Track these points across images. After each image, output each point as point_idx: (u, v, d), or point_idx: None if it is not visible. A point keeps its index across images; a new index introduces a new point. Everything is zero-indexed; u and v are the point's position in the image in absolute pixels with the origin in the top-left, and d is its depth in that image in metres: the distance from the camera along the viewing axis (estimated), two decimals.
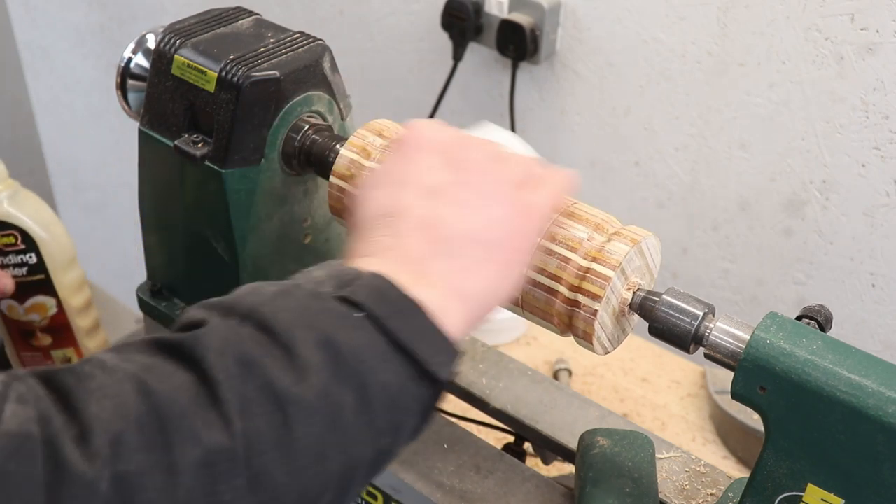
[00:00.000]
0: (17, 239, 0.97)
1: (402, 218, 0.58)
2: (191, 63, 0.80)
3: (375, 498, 0.86)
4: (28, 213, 0.98)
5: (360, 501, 0.87)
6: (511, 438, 0.93)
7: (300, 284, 0.53)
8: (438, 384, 0.52)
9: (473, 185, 0.60)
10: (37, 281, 1.00)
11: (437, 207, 0.59)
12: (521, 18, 1.36)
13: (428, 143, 0.63)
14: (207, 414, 0.45)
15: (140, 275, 0.96)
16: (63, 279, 1.01)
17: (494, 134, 1.01)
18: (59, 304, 1.02)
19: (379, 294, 0.52)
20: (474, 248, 0.58)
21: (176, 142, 0.80)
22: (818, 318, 0.66)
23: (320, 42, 0.84)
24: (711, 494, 0.81)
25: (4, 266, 0.98)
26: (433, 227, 0.58)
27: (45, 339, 1.05)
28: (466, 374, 0.92)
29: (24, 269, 0.99)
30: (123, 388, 0.46)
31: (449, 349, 0.53)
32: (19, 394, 0.45)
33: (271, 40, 0.82)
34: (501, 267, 0.59)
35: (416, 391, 0.51)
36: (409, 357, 0.51)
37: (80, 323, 1.05)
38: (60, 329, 1.04)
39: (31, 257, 0.98)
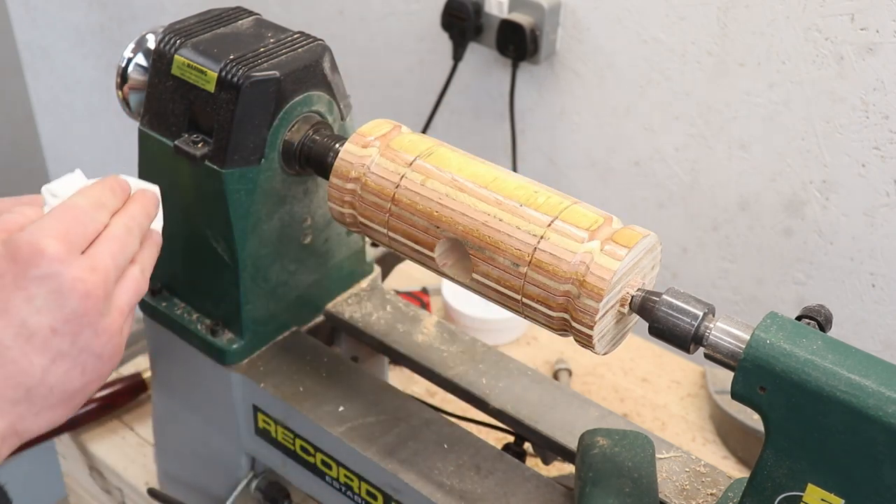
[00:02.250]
0: None
1: None
2: (191, 63, 0.80)
3: (375, 498, 0.86)
4: None
5: (360, 501, 0.87)
6: (511, 438, 0.93)
7: None
8: None
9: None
10: None
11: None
12: (521, 18, 1.36)
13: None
14: None
15: None
16: None
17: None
18: None
19: None
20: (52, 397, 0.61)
21: (176, 142, 0.80)
22: (818, 318, 0.66)
23: (320, 42, 0.84)
24: (711, 494, 0.81)
25: None
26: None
27: None
28: (466, 374, 0.92)
29: None
30: None
31: None
32: None
33: (271, 40, 0.82)
34: (68, 406, 0.63)
35: None
36: None
37: None
38: None
39: None
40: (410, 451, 0.85)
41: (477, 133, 1.55)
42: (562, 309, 0.69)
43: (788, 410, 0.61)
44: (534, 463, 0.96)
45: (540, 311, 0.70)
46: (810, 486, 0.63)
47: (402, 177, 0.75)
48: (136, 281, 0.66)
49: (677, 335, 0.67)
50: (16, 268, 0.59)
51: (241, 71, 0.78)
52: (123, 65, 0.87)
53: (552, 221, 0.69)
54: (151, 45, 0.87)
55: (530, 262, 0.69)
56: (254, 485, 0.98)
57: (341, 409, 0.88)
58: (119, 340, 0.63)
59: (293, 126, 0.82)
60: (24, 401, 0.59)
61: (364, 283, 1.00)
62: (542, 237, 0.69)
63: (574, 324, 0.68)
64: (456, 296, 1.33)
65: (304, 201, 0.87)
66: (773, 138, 1.25)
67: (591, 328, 0.67)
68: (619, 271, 0.67)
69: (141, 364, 1.24)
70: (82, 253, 0.61)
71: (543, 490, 0.82)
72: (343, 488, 0.88)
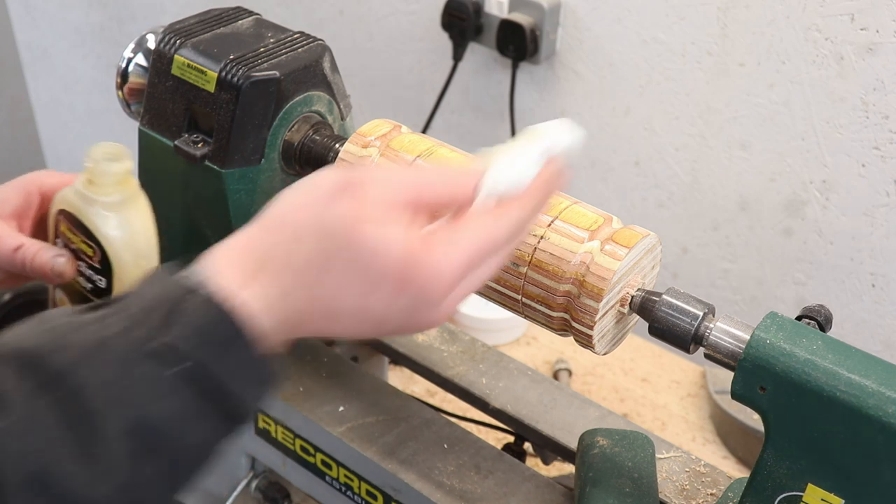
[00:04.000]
0: (95, 254, 0.79)
1: (312, 266, 0.54)
2: (191, 63, 0.80)
3: (375, 498, 0.86)
4: (123, 234, 0.78)
5: (360, 501, 0.87)
6: (511, 438, 0.93)
7: (114, 335, 0.51)
8: (247, 418, 0.54)
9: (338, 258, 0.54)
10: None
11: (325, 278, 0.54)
12: (521, 18, 1.36)
13: (304, 222, 0.57)
14: None
15: None
16: None
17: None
18: None
19: (200, 334, 0.51)
20: (350, 319, 0.55)
21: (176, 142, 0.80)
22: (818, 318, 0.66)
23: (320, 42, 0.84)
24: (711, 494, 0.81)
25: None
26: (325, 297, 0.54)
27: None
28: (466, 374, 0.92)
29: (90, 286, 0.81)
30: None
31: (263, 381, 0.53)
32: None
33: (271, 40, 0.82)
34: (370, 332, 0.56)
35: (225, 435, 0.53)
36: (219, 405, 0.51)
37: None
38: None
39: (100, 281, 0.80)
40: (410, 451, 0.85)
41: (477, 133, 1.55)
42: (562, 309, 0.69)
43: (788, 410, 0.61)
44: (534, 463, 0.96)
45: (540, 311, 0.70)
46: (810, 486, 0.63)
47: None
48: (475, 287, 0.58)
49: (677, 335, 0.67)
50: (404, 286, 0.53)
51: (241, 71, 0.78)
52: (123, 65, 0.87)
53: (552, 221, 0.69)
54: (151, 45, 0.87)
55: (530, 263, 0.69)
56: (254, 485, 0.98)
57: (341, 409, 0.88)
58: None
59: (293, 126, 0.82)
60: (320, 314, 0.54)
61: None
62: (542, 237, 0.69)
63: (574, 324, 0.68)
64: None
65: None
66: (773, 138, 1.25)
67: (591, 328, 0.67)
68: (619, 271, 0.67)
69: None
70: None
71: (543, 490, 0.82)
72: (343, 488, 0.88)
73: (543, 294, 0.69)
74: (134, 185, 0.79)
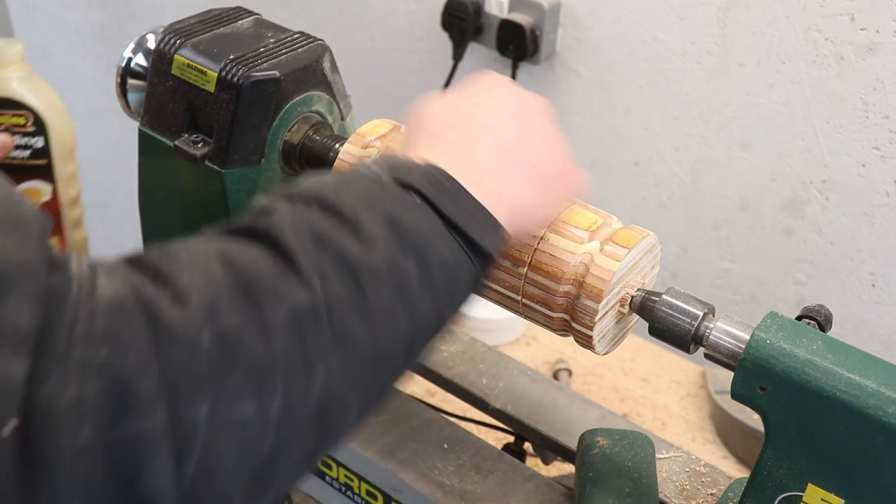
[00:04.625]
0: (28, 121, 0.98)
1: (470, 124, 0.63)
2: (191, 63, 0.80)
3: (375, 498, 0.86)
4: (41, 97, 0.99)
5: (360, 501, 0.88)
6: (511, 438, 0.93)
7: (360, 172, 0.57)
8: (487, 258, 0.58)
9: (536, 125, 0.66)
10: (37, 166, 1.00)
11: (503, 126, 0.64)
12: (521, 18, 1.36)
13: (503, 84, 0.68)
14: (288, 280, 0.49)
15: None
16: (63, 168, 1.01)
17: None
18: (55, 191, 1.02)
19: (432, 180, 0.57)
20: (528, 169, 0.63)
21: (176, 142, 0.80)
22: (818, 318, 0.66)
23: (320, 42, 0.84)
24: (711, 494, 0.81)
25: None
26: (495, 138, 0.63)
27: None
28: (466, 374, 0.92)
29: (28, 152, 0.99)
30: (209, 261, 0.49)
31: (493, 226, 0.58)
32: (107, 269, 0.47)
33: (271, 40, 0.82)
34: (544, 193, 0.64)
35: (468, 265, 0.57)
36: (460, 234, 0.56)
37: (69, 213, 1.06)
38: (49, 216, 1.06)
39: (38, 141, 0.99)
40: (410, 451, 0.85)
41: None
42: (562, 309, 0.69)
43: (788, 410, 0.61)
44: (534, 463, 0.96)
45: (540, 311, 0.70)
46: (810, 486, 0.63)
47: None
48: None
49: (677, 335, 0.67)
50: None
51: (241, 71, 0.78)
52: (123, 65, 0.87)
53: (552, 221, 0.69)
54: (151, 45, 0.86)
55: (530, 263, 0.69)
56: None
57: None
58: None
59: (293, 126, 0.82)
60: (501, 167, 0.62)
61: None
62: (541, 238, 0.69)
63: (574, 324, 0.68)
64: None
65: None
66: (773, 138, 1.25)
67: (591, 328, 0.67)
68: (618, 271, 0.67)
69: None
70: None
71: (543, 490, 0.82)
72: (343, 488, 0.88)
73: (543, 295, 0.69)
74: (29, 66, 1.02)
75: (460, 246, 0.56)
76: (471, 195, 0.58)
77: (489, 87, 0.68)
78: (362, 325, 0.51)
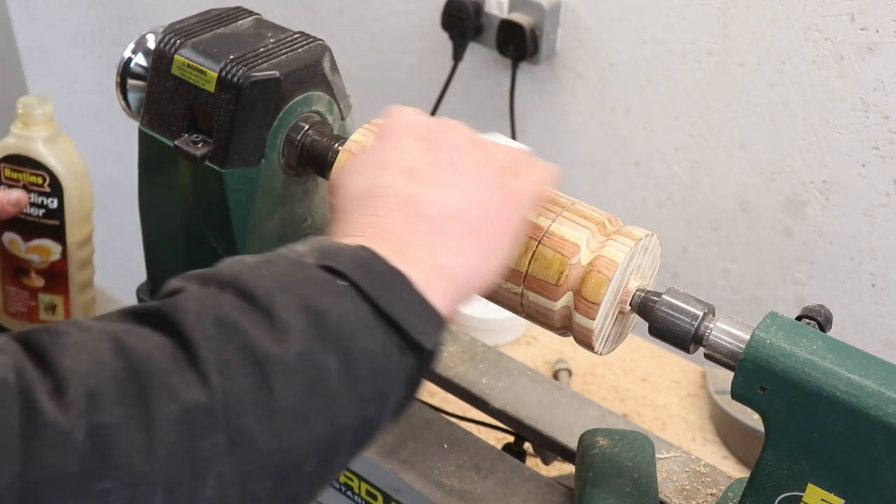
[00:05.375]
0: (44, 181, 0.98)
1: (382, 198, 0.58)
2: (191, 63, 0.80)
3: (375, 498, 0.86)
4: (62, 158, 0.99)
5: (360, 501, 0.87)
6: (511, 438, 0.93)
7: (282, 254, 0.53)
8: (424, 354, 0.52)
9: (454, 166, 0.60)
10: (50, 226, 1.01)
11: (418, 186, 0.58)
12: (521, 18, 1.36)
13: (407, 127, 0.63)
14: (185, 372, 0.44)
15: (140, 275, 0.96)
16: (76, 231, 1.02)
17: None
18: (65, 252, 1.03)
19: (363, 264, 0.51)
20: (456, 226, 0.57)
21: (176, 142, 0.80)
22: (818, 318, 0.66)
23: (320, 42, 0.84)
24: (711, 494, 0.81)
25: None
26: (413, 205, 0.57)
27: (38, 281, 1.06)
28: (466, 374, 0.92)
29: (42, 211, 1.00)
30: (100, 345, 0.45)
31: (434, 319, 0.52)
32: None
33: (271, 40, 0.82)
34: (485, 246, 0.59)
35: (401, 360, 0.51)
36: (393, 326, 0.50)
37: (77, 275, 1.06)
38: (57, 275, 1.05)
39: (52, 202, 0.99)
40: (410, 451, 0.85)
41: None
42: (562, 308, 0.69)
43: (788, 410, 0.61)
44: (534, 463, 0.96)
45: (539, 310, 0.70)
46: (810, 486, 0.63)
47: None
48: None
49: (677, 335, 0.67)
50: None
51: (241, 71, 0.78)
52: (123, 65, 0.87)
53: (550, 223, 0.69)
54: (151, 45, 0.86)
55: (530, 262, 0.69)
56: None
57: None
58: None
59: (293, 126, 0.82)
60: (426, 233, 0.57)
61: None
62: (541, 238, 0.69)
63: (574, 324, 0.68)
64: None
65: (304, 201, 0.87)
66: (773, 138, 1.25)
67: (591, 328, 0.67)
68: (618, 271, 0.67)
69: None
70: None
71: (543, 490, 0.82)
72: (343, 488, 0.88)
73: (543, 294, 0.69)
74: (57, 126, 1.01)
75: (392, 339, 0.50)
76: (408, 281, 0.52)
77: (395, 134, 0.63)
78: (266, 426, 0.45)
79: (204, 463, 0.43)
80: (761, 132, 1.26)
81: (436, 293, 0.53)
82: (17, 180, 0.99)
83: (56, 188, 0.99)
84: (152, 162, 0.86)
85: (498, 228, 0.60)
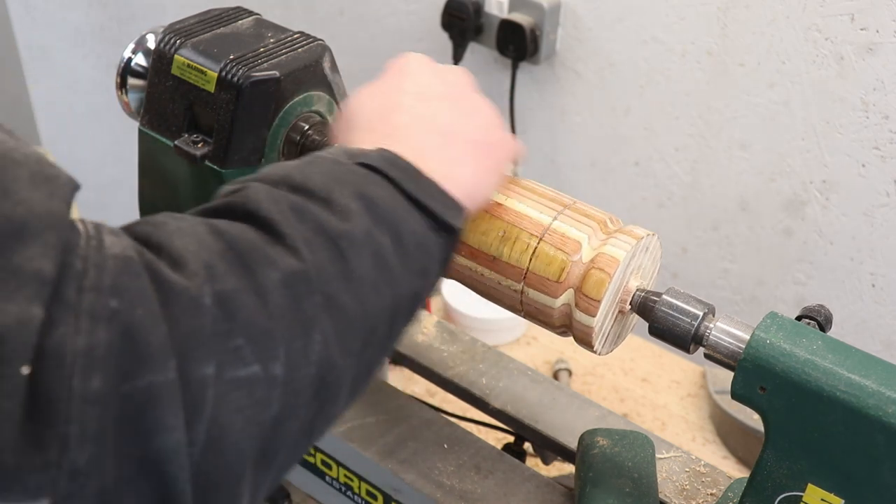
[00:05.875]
0: None
1: (399, 114, 0.64)
2: (191, 63, 0.80)
3: (375, 498, 0.86)
4: None
5: (360, 501, 0.87)
6: (511, 438, 0.93)
7: (319, 156, 0.58)
8: (453, 234, 0.58)
9: (460, 98, 0.67)
10: None
11: (430, 107, 0.65)
12: (521, 18, 1.36)
13: (417, 63, 0.69)
14: (276, 247, 0.49)
15: None
16: None
17: None
18: None
19: (391, 161, 0.57)
20: (462, 143, 0.64)
21: (176, 142, 0.80)
22: (818, 318, 0.66)
23: (320, 42, 0.84)
24: (711, 494, 0.81)
25: None
26: (427, 122, 0.64)
27: None
28: (466, 374, 0.92)
29: None
30: (197, 229, 0.49)
31: (455, 205, 0.59)
32: (111, 229, 0.47)
33: (271, 40, 0.82)
34: (485, 166, 0.65)
35: (437, 240, 0.57)
36: (425, 212, 0.57)
37: None
38: None
39: None
40: (410, 451, 0.85)
41: None
42: (562, 308, 0.69)
43: (788, 410, 0.61)
44: (534, 463, 0.96)
45: (539, 310, 0.70)
46: (810, 486, 0.63)
47: None
48: None
49: (677, 335, 0.67)
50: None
51: (241, 71, 0.78)
52: (123, 65, 0.87)
53: (552, 221, 0.69)
54: (151, 45, 0.86)
55: (531, 259, 0.69)
56: None
57: None
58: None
59: (293, 126, 0.82)
60: (439, 147, 0.62)
61: None
62: (542, 235, 0.69)
63: (574, 321, 0.68)
64: (456, 296, 1.33)
65: None
66: (773, 138, 1.25)
67: (591, 328, 0.67)
68: (618, 271, 0.67)
69: None
70: None
71: (543, 490, 0.82)
72: (343, 488, 0.88)
73: (543, 294, 0.69)
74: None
75: (427, 222, 0.57)
76: (427, 175, 0.58)
77: (406, 68, 0.69)
78: (349, 292, 0.51)
79: (309, 321, 0.49)
80: (761, 132, 1.26)
81: (451, 192, 0.60)
82: None
83: None
84: (152, 162, 0.86)
85: (495, 155, 0.67)
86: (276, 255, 0.49)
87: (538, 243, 0.69)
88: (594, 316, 0.67)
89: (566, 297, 0.68)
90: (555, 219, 0.69)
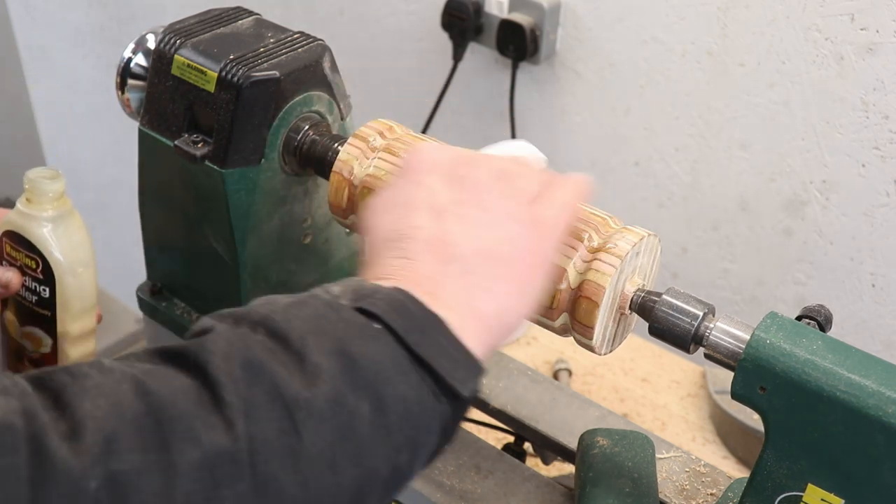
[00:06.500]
0: (37, 266, 0.84)
1: (412, 239, 0.56)
2: (191, 63, 0.80)
3: None
4: (64, 244, 0.84)
5: None
6: (511, 438, 0.93)
7: (316, 295, 0.52)
8: (460, 401, 0.50)
9: (481, 203, 0.58)
10: (41, 315, 0.87)
11: (445, 226, 0.56)
12: (521, 18, 1.36)
13: (431, 164, 0.61)
14: (209, 416, 0.43)
15: (140, 275, 0.96)
16: (70, 327, 0.88)
17: (511, 148, 0.96)
18: (55, 346, 0.89)
19: (398, 307, 0.50)
20: (488, 265, 0.55)
21: (176, 142, 0.80)
22: (818, 318, 0.66)
23: (320, 42, 0.84)
24: (711, 494, 0.81)
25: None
26: (443, 247, 0.55)
27: (31, 369, 0.95)
28: None
29: (34, 298, 0.86)
30: (121, 388, 0.43)
31: (470, 365, 0.51)
32: (3, 386, 0.43)
33: (271, 40, 0.82)
34: (518, 284, 0.57)
35: (436, 407, 0.49)
36: (428, 371, 0.49)
37: None
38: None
39: (44, 290, 0.85)
40: None
41: (477, 133, 1.55)
42: (562, 309, 0.69)
43: (788, 410, 0.61)
44: (534, 463, 0.96)
45: (540, 310, 0.70)
46: (810, 486, 0.63)
47: None
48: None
49: (677, 335, 0.67)
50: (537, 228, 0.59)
51: (241, 71, 0.78)
52: (123, 65, 0.87)
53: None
54: (151, 45, 0.86)
55: None
56: None
57: None
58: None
59: (293, 126, 0.82)
60: (457, 274, 0.54)
61: None
62: None
63: (574, 324, 0.68)
64: None
65: (304, 201, 0.87)
66: (773, 138, 1.25)
67: (592, 328, 0.67)
68: (618, 271, 0.67)
69: None
70: None
71: (543, 490, 0.82)
72: None
73: (542, 293, 0.69)
74: (69, 204, 0.85)
75: (427, 385, 0.49)
76: (444, 325, 0.50)
77: (420, 168, 0.61)
78: (293, 473, 0.44)
79: None
80: (761, 132, 1.26)
81: (471, 337, 0.52)
82: (15, 259, 0.86)
83: (48, 276, 0.84)
84: (152, 162, 0.86)
85: (530, 264, 0.58)
86: (204, 428, 0.43)
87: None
88: (591, 338, 0.67)
89: (563, 318, 0.69)
90: None
